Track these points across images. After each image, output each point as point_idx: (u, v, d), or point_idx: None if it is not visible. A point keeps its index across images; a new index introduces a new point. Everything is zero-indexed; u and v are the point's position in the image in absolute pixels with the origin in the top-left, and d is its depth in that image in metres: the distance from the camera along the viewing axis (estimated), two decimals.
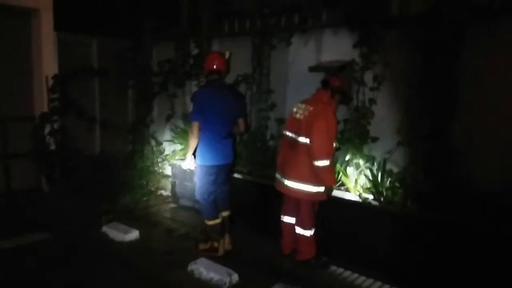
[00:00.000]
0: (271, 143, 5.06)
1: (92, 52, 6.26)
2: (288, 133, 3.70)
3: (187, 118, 5.72)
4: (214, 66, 3.93)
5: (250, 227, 4.76)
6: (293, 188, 3.60)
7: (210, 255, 3.96)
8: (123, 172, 5.93)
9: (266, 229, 4.56)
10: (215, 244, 4.09)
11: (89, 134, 6.27)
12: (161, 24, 6.17)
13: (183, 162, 5.39)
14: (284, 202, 3.90)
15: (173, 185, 5.74)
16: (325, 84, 3.64)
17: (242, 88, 5.23)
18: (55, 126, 5.70)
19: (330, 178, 3.56)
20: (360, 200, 3.89)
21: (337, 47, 4.43)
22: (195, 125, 3.85)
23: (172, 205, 5.70)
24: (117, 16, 6.22)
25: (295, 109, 3.70)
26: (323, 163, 3.42)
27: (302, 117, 3.54)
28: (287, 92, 4.97)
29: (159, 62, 6.04)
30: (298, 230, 3.78)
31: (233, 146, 4.10)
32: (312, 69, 4.37)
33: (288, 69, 4.91)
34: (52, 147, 5.67)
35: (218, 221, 4.10)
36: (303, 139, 3.50)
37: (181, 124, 6.02)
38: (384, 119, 4.14)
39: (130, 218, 5.02)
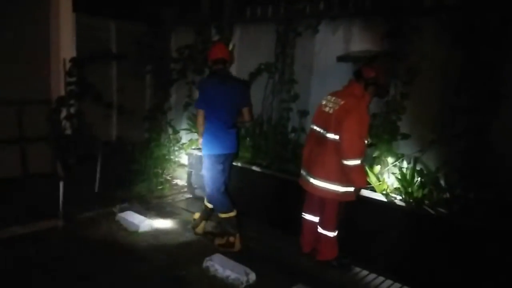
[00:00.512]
0: (292, 136, 4.84)
1: (110, 36, 6.11)
2: (316, 127, 3.44)
3: None
4: (220, 55, 3.93)
5: (267, 222, 4.59)
6: (319, 187, 3.37)
7: (226, 251, 3.81)
8: (139, 160, 5.80)
9: (284, 225, 4.39)
10: (231, 239, 3.94)
11: (106, 120, 6.16)
12: (181, 9, 5.97)
13: (199, 151, 5.26)
14: (307, 199, 3.69)
15: (189, 175, 5.59)
16: (358, 75, 3.32)
17: (263, 78, 5.01)
18: (72, 110, 5.59)
19: (360, 178, 3.28)
20: (386, 200, 3.67)
21: (367, 37, 4.17)
22: (200, 113, 3.91)
23: (188, 196, 5.56)
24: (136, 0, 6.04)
25: (324, 102, 3.42)
26: (353, 162, 3.17)
27: (331, 111, 3.26)
28: (312, 83, 4.74)
29: (178, 48, 5.84)
30: (321, 230, 3.57)
31: (237, 136, 4.02)
32: (341, 58, 4.12)
33: (314, 59, 4.67)
34: (68, 131, 5.57)
35: (233, 214, 3.98)
36: (331, 135, 3.23)
37: None
38: (416, 114, 3.89)
39: (145, 207, 4.91)
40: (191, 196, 5.52)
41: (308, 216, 3.74)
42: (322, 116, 3.36)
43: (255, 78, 5.03)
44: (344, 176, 3.26)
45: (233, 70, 5.51)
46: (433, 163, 3.73)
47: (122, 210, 4.67)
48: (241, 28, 5.43)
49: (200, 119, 3.93)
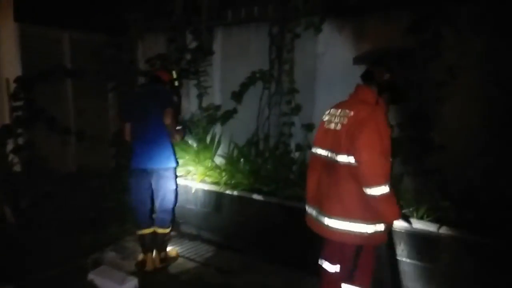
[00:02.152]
0: (296, 155, 4.10)
1: (63, 49, 5.10)
2: (320, 152, 2.56)
3: (185, 126, 4.73)
4: (156, 74, 3.87)
5: (274, 259, 3.81)
6: (338, 229, 2.42)
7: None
8: (108, 194, 4.84)
9: (295, 263, 3.65)
10: (141, 257, 3.78)
11: (63, 149, 5.12)
12: (148, 14, 5.11)
13: (183, 178, 4.42)
14: (325, 244, 2.71)
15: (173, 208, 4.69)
16: (368, 77, 2.51)
17: (257, 88, 4.24)
18: (20, 141, 4.54)
19: (391, 210, 2.38)
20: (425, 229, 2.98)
21: (384, 33, 3.52)
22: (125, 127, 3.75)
23: (172, 233, 4.65)
24: (93, 6, 5.11)
25: (326, 118, 2.57)
26: (379, 190, 2.30)
27: (339, 127, 2.42)
28: (316, 91, 4.02)
29: (148, 59, 4.96)
30: (346, 286, 2.56)
31: (163, 149, 3.60)
32: (358, 60, 3.42)
33: (317, 63, 3.96)
34: (17, 168, 4.51)
35: (143, 231, 3.76)
36: (344, 158, 2.37)
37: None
38: (452, 122, 3.27)
39: (122, 256, 3.97)
40: (175, 233, 4.61)
41: (326, 265, 2.71)
42: (327, 136, 2.51)
43: (247, 89, 4.25)
44: (369, 210, 2.39)
45: (217, 81, 4.74)
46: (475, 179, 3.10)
47: (95, 265, 3.71)
48: (223, 32, 4.65)
49: (127, 134, 3.75)
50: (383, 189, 2.29)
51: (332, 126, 2.47)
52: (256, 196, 3.94)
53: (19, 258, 3.78)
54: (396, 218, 2.44)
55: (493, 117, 3.09)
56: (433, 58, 3.23)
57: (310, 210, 2.65)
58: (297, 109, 4.05)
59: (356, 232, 2.40)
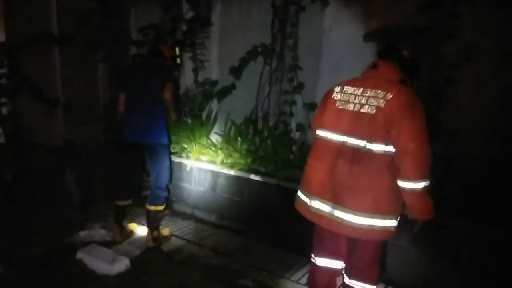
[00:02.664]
0: (297, 135, 3.94)
1: (50, 14, 4.77)
2: (333, 136, 2.23)
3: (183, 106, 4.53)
4: (157, 48, 3.63)
5: (271, 242, 3.71)
6: (363, 225, 2.14)
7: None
8: (97, 169, 4.64)
9: (294, 246, 3.55)
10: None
11: (49, 121, 4.86)
12: None
13: (176, 156, 4.25)
14: (323, 238, 2.44)
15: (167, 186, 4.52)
16: (390, 53, 2.28)
17: (255, 66, 4.03)
18: (4, 111, 4.28)
19: (429, 206, 2.15)
20: None
21: (397, 9, 3.33)
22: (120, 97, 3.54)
23: (166, 212, 4.50)
24: None
25: (339, 96, 2.24)
26: (421, 184, 2.07)
27: (371, 110, 2.10)
28: (321, 69, 3.83)
29: (141, 28, 4.68)
30: (354, 282, 2.43)
31: (157, 124, 3.39)
32: (369, 36, 3.25)
33: (323, 39, 3.76)
34: (1, 139, 4.26)
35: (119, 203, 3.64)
36: (380, 147, 2.08)
37: None
38: (465, 106, 3.14)
39: (112, 234, 3.80)
40: (168, 211, 4.45)
41: (322, 262, 2.48)
42: (344, 118, 2.20)
43: (247, 64, 4.04)
44: (397, 203, 2.20)
45: (214, 54, 4.51)
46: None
47: (84, 243, 3.56)
48: (223, 2, 4.39)
49: (121, 105, 3.54)
50: (425, 183, 2.10)
51: (352, 107, 2.18)
52: (253, 177, 3.79)
53: (3, 235, 3.59)
54: (432, 215, 2.18)
55: (509, 102, 2.96)
56: (448, 37, 3.06)
57: (317, 204, 2.27)
58: (299, 87, 3.86)
59: (382, 227, 2.16)
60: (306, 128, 3.86)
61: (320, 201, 2.25)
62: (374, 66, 2.26)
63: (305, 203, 2.33)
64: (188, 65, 4.66)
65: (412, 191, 2.10)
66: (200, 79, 4.62)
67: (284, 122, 3.97)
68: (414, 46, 2.35)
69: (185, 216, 4.33)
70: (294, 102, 3.93)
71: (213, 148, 4.17)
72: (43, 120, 4.72)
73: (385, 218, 2.15)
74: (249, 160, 3.94)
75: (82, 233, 3.82)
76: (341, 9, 3.61)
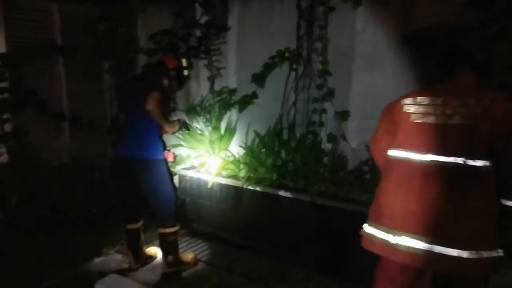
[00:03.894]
0: (328, 146, 3.63)
1: (53, 23, 4.46)
2: (415, 156, 1.88)
3: (192, 112, 4.22)
4: (159, 59, 3.39)
5: (305, 265, 3.41)
6: (463, 258, 1.75)
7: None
8: (108, 188, 4.32)
9: (331, 270, 3.26)
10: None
11: (55, 137, 4.54)
12: None
13: (195, 171, 3.95)
14: (400, 275, 1.99)
15: (183, 203, 4.20)
16: (466, 56, 1.97)
17: (284, 70, 3.73)
18: (7, 128, 3.96)
19: None
20: None
21: (438, 7, 3.04)
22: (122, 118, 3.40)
23: (183, 231, 4.16)
24: None
25: (411, 108, 1.92)
26: None
27: (457, 119, 1.80)
28: (352, 74, 3.54)
29: (152, 35, 4.36)
30: None
31: (145, 138, 3.10)
32: (411, 37, 2.94)
33: (355, 41, 3.46)
34: (4, 159, 3.93)
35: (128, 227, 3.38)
36: (483, 162, 1.76)
37: (187, 119, 4.42)
38: None
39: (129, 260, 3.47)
40: (187, 231, 4.13)
41: None
42: (426, 133, 1.87)
43: (272, 71, 3.73)
44: (497, 230, 1.84)
45: (232, 61, 4.21)
46: None
47: (100, 272, 3.23)
48: (240, 5, 4.08)
49: None
50: None
51: (433, 119, 1.85)
52: (283, 193, 3.48)
53: (8, 265, 3.27)
54: None
55: None
56: (500, 37, 2.77)
57: (407, 241, 1.85)
58: (330, 94, 3.55)
59: (492, 258, 1.79)
60: (338, 138, 3.56)
61: (411, 237, 1.85)
62: (449, 71, 1.95)
63: (386, 241, 1.93)
64: (204, 73, 4.35)
65: None
66: (216, 87, 4.31)
67: (313, 132, 3.67)
68: (484, 47, 2.05)
69: (206, 236, 4.01)
70: (324, 111, 3.62)
71: (235, 162, 3.86)
72: (48, 136, 4.41)
73: (492, 248, 1.80)
74: (275, 174, 3.63)
75: (97, 260, 3.51)
76: (376, 9, 3.32)
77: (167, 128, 3.15)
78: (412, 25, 3.12)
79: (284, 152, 3.73)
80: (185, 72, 3.40)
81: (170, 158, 3.24)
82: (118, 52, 4.78)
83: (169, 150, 3.21)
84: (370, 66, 3.40)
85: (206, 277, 3.29)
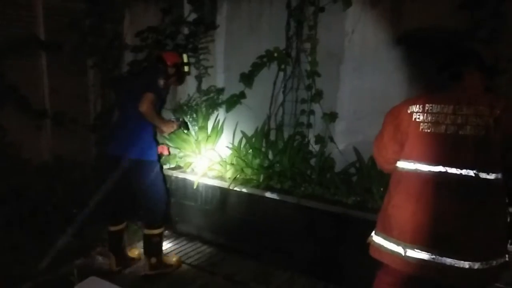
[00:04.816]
0: (316, 148, 3.59)
1: (36, 17, 4.34)
2: (422, 167, 1.80)
3: (179, 111, 4.15)
4: (158, 54, 3.30)
5: (290, 266, 3.37)
6: (472, 270, 1.72)
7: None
8: (90, 187, 4.20)
9: (316, 271, 3.22)
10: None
11: (36, 134, 4.41)
12: None
13: (180, 171, 3.88)
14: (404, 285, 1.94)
15: (166, 204, 4.11)
16: (474, 59, 1.89)
17: (272, 70, 3.68)
18: None
19: None
20: None
21: (428, 9, 3.03)
22: None
23: (167, 232, 4.09)
24: None
25: (421, 116, 1.81)
26: None
27: (469, 129, 1.72)
28: (341, 75, 3.50)
29: (139, 32, 4.27)
30: None
31: (139, 139, 3.03)
32: (404, 39, 2.92)
33: (344, 42, 3.43)
34: None
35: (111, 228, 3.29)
36: (496, 175, 1.72)
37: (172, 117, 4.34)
38: None
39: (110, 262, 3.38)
40: (171, 232, 4.05)
41: None
42: (439, 144, 1.78)
43: (260, 70, 3.68)
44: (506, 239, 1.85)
45: (220, 60, 4.15)
46: None
47: (81, 274, 3.12)
48: (229, 3, 4.02)
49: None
50: None
51: (443, 129, 1.77)
52: (269, 194, 3.43)
53: None
54: None
55: None
56: (489, 41, 2.77)
57: (418, 254, 1.79)
58: (318, 96, 3.52)
59: (500, 265, 1.77)
60: (326, 140, 3.52)
61: (421, 249, 1.79)
62: (457, 76, 1.84)
63: (396, 252, 1.85)
64: (191, 72, 4.27)
65: None
66: (204, 86, 4.24)
67: (301, 133, 3.63)
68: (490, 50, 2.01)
69: (191, 237, 3.94)
70: (312, 112, 3.58)
71: (221, 163, 3.79)
72: (29, 133, 4.28)
73: (501, 255, 1.77)
74: (262, 175, 3.58)
75: (77, 262, 3.40)
76: (365, 9, 3.29)
77: (164, 128, 3.10)
78: (403, 26, 3.10)
79: (271, 153, 3.69)
80: (186, 68, 3.33)
81: (165, 152, 3.21)
82: (103, 49, 4.67)
83: (162, 144, 3.16)
84: (359, 67, 3.37)
85: (190, 280, 3.22)
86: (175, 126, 3.20)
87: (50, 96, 4.50)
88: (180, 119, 3.29)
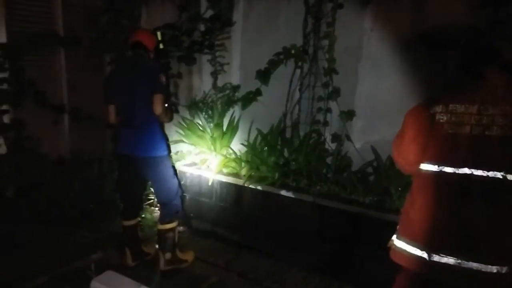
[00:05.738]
0: (333, 146, 3.56)
1: (55, 13, 4.39)
2: (447, 169, 1.74)
3: (195, 107, 4.15)
4: (135, 38, 3.14)
5: (305, 265, 3.35)
6: (498, 275, 1.67)
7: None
8: (107, 183, 4.25)
9: (331, 271, 3.21)
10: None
11: (54, 129, 4.47)
12: None
13: (195, 168, 3.89)
14: None
15: (182, 200, 4.13)
16: (497, 57, 1.79)
17: (289, 67, 3.66)
18: (6, 119, 3.89)
19: None
20: None
21: (449, 7, 2.97)
22: (111, 109, 3.17)
23: (181, 228, 4.11)
24: None
25: (444, 117, 1.74)
26: None
27: (495, 130, 1.67)
28: (359, 73, 3.46)
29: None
30: None
31: (151, 136, 3.05)
32: (425, 37, 2.87)
33: (363, 40, 3.39)
34: (2, 150, 3.87)
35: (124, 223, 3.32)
36: None
37: (188, 114, 4.36)
38: None
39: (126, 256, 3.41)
40: (185, 229, 4.07)
41: None
42: (464, 145, 1.72)
43: (277, 67, 3.66)
44: None
45: (236, 57, 4.13)
46: None
47: (97, 269, 3.16)
48: (247, 0, 4.00)
49: (111, 117, 3.18)
50: None
51: (468, 129, 1.70)
52: (285, 193, 3.41)
53: (3, 259, 3.21)
54: None
55: None
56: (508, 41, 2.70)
57: (443, 259, 1.74)
58: (335, 93, 3.48)
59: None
60: (343, 138, 3.49)
61: (447, 254, 1.74)
62: (480, 75, 1.76)
63: (420, 257, 1.79)
64: (207, 69, 4.28)
65: None
66: (219, 83, 4.24)
67: (317, 131, 3.60)
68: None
69: (205, 234, 3.95)
70: (329, 110, 3.55)
71: (236, 160, 3.79)
72: (47, 128, 4.33)
73: None
74: (278, 173, 3.56)
75: (94, 256, 3.43)
76: (385, 7, 3.24)
77: (165, 119, 3.09)
78: (423, 24, 3.04)
79: (287, 151, 3.66)
80: (161, 46, 3.31)
81: None
82: (121, 45, 4.70)
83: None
84: (377, 65, 3.33)
85: (205, 276, 3.23)
86: (170, 115, 3.19)
87: (68, 92, 4.56)
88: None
